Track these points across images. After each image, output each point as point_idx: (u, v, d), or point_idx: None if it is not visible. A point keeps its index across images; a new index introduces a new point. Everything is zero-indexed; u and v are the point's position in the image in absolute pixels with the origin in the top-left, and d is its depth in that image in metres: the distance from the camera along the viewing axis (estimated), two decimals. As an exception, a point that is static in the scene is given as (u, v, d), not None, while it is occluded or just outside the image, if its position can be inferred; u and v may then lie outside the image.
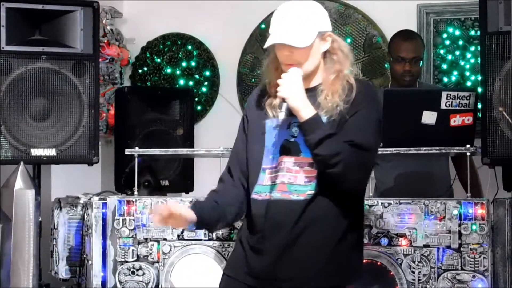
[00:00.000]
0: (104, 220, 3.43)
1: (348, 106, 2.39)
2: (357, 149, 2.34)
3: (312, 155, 2.37)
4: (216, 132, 4.67)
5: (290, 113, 2.39)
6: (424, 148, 3.23)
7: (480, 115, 3.39)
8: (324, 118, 2.39)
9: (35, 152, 3.72)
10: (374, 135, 2.43)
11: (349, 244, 2.44)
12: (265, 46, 2.42)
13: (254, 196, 2.48)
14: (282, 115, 2.38)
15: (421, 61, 3.80)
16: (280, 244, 2.41)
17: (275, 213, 2.41)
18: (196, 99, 4.85)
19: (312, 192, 2.39)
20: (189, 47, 4.94)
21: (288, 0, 2.44)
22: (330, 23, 2.47)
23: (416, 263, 3.10)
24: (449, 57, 4.55)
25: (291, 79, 2.38)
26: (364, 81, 2.54)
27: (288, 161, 2.42)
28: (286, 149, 2.43)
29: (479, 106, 3.40)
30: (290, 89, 2.37)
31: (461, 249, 3.07)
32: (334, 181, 2.36)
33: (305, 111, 2.36)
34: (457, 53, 4.54)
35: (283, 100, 2.38)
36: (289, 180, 2.42)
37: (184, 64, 4.95)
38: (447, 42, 4.56)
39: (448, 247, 3.08)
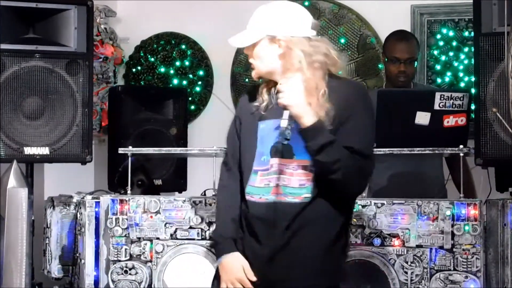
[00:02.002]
0: (97, 219, 3.43)
1: (339, 109, 2.39)
2: (356, 155, 2.37)
3: (313, 162, 2.39)
4: (210, 131, 4.67)
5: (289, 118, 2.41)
6: (418, 148, 3.24)
7: (473, 116, 3.40)
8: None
9: (28, 150, 3.71)
10: (371, 140, 2.46)
11: (341, 246, 2.49)
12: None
13: (248, 197, 2.49)
14: (284, 123, 2.38)
15: (415, 62, 3.81)
16: (275, 245, 2.43)
17: (270, 215, 2.43)
18: (190, 98, 4.84)
19: (309, 195, 2.42)
20: (183, 47, 4.94)
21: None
22: (290, 29, 2.44)
23: (409, 263, 3.10)
24: (443, 58, 4.56)
25: (293, 85, 2.39)
26: (357, 83, 2.55)
27: (281, 164, 2.44)
28: (278, 151, 2.44)
29: (473, 107, 3.41)
30: (292, 97, 2.38)
31: (454, 249, 3.07)
32: (334, 187, 2.39)
33: (307, 118, 2.37)
34: (451, 54, 4.55)
35: (285, 108, 2.39)
36: (284, 182, 2.43)
37: (178, 63, 4.94)
38: (441, 43, 4.57)
39: (441, 247, 3.08)
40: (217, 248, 2.55)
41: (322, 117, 2.37)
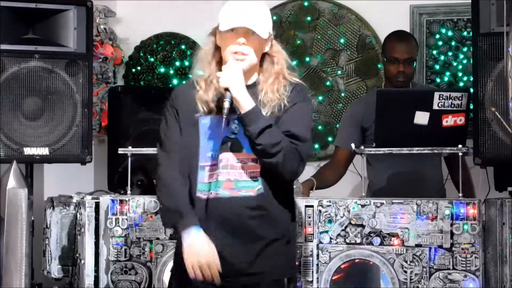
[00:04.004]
0: (96, 219, 3.43)
1: (285, 103, 2.46)
2: (293, 139, 2.42)
3: (252, 146, 2.41)
4: (209, 131, 4.67)
5: (231, 109, 2.41)
6: (417, 148, 3.25)
7: (472, 116, 3.40)
8: (266, 114, 2.45)
9: (28, 151, 3.71)
10: (308, 128, 2.51)
11: (293, 236, 2.57)
12: (225, 28, 2.45)
13: (198, 194, 2.48)
14: (227, 103, 2.40)
15: (414, 62, 3.81)
16: (235, 241, 2.45)
17: (225, 211, 2.44)
18: (190, 98, 4.84)
19: (261, 187, 2.45)
20: (183, 47, 4.94)
21: None
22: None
23: (408, 262, 3.11)
24: (442, 57, 4.56)
25: (233, 69, 2.42)
26: (299, 82, 2.59)
27: (231, 157, 2.45)
28: (227, 146, 2.46)
29: (471, 106, 3.42)
30: (233, 79, 2.40)
31: (453, 248, 3.08)
32: (273, 171, 2.43)
33: (246, 102, 2.40)
34: (450, 54, 4.55)
35: (226, 90, 2.41)
36: (235, 177, 2.45)
37: (177, 63, 4.95)
38: (440, 43, 4.57)
39: (440, 246, 3.09)
40: (181, 221, 2.45)
41: (273, 106, 2.44)
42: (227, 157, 2.45)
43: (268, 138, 2.38)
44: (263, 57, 2.52)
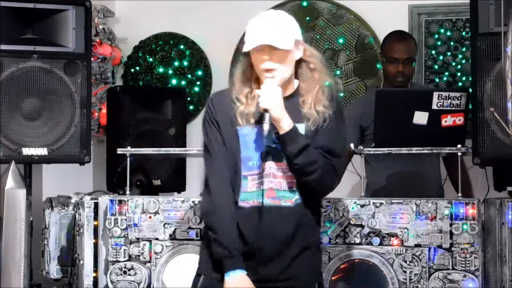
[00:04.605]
0: (95, 219, 3.42)
1: (331, 111, 2.49)
2: (329, 155, 2.46)
3: (290, 165, 2.46)
4: (208, 132, 4.66)
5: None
6: (416, 148, 3.25)
7: (471, 115, 3.40)
8: (311, 128, 2.48)
9: (26, 151, 3.71)
10: (344, 144, 2.58)
11: (320, 248, 2.66)
12: (246, 49, 2.47)
13: (241, 204, 2.52)
14: (266, 126, 2.43)
15: (413, 62, 3.81)
16: (275, 249, 2.50)
17: (269, 220, 2.49)
18: (189, 98, 4.84)
19: (298, 197, 2.50)
20: (182, 47, 4.94)
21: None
22: (301, 34, 2.55)
23: (408, 262, 3.11)
24: (441, 57, 4.56)
25: (271, 90, 2.44)
26: (335, 94, 2.61)
27: (272, 167, 2.50)
28: (268, 155, 2.49)
29: (470, 106, 3.42)
30: (272, 100, 2.43)
31: (452, 248, 3.08)
32: (310, 187, 2.48)
33: (285, 122, 2.44)
34: (449, 54, 4.55)
35: (265, 111, 2.43)
36: (276, 186, 2.50)
37: (176, 63, 4.94)
38: (439, 43, 4.57)
39: (439, 246, 3.09)
40: (229, 260, 2.49)
41: (317, 118, 2.46)
42: (269, 166, 2.50)
43: (306, 158, 2.43)
44: (299, 64, 2.53)
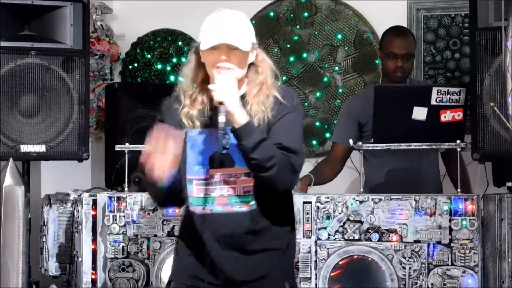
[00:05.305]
0: (94, 216, 3.42)
1: (273, 113, 2.42)
2: (285, 151, 2.38)
3: (246, 160, 2.37)
4: (207, 128, 4.65)
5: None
6: (415, 143, 3.24)
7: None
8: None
9: (24, 148, 3.70)
10: (299, 138, 2.47)
11: (292, 247, 2.52)
12: (204, 47, 2.41)
13: (191, 208, 2.47)
14: (222, 118, 2.34)
15: (413, 58, 3.80)
16: (233, 254, 2.42)
17: (220, 227, 2.42)
18: (187, 95, 4.83)
19: (254, 202, 2.42)
20: (180, 43, 4.93)
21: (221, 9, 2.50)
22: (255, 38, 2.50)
23: (407, 258, 3.10)
24: (439, 53, 4.55)
25: (226, 82, 2.37)
26: (287, 87, 2.56)
27: (223, 173, 2.42)
28: (217, 161, 2.42)
29: (470, 101, 3.41)
30: (227, 93, 2.36)
31: (452, 244, 3.07)
32: (267, 185, 2.39)
33: (241, 116, 2.36)
34: (447, 49, 4.54)
35: (220, 103, 2.35)
36: (228, 192, 2.42)
37: (174, 60, 4.93)
38: (437, 39, 4.56)
39: (439, 242, 3.09)
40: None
41: (259, 118, 2.39)
42: (219, 173, 2.42)
43: (262, 152, 2.34)
44: (248, 67, 2.48)
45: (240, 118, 2.35)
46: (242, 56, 2.42)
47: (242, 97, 2.45)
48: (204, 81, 2.47)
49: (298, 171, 2.44)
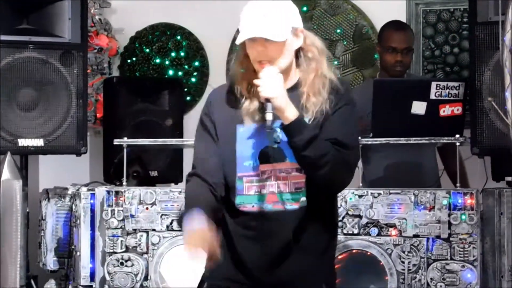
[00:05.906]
0: (92, 211, 3.41)
1: (330, 103, 2.31)
2: (340, 147, 2.28)
3: (298, 158, 2.28)
4: (205, 122, 4.65)
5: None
6: (414, 138, 3.24)
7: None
8: (308, 120, 2.29)
9: (22, 142, 3.69)
10: (355, 134, 2.38)
11: (332, 248, 2.44)
12: (238, 41, 2.30)
13: (242, 208, 2.35)
14: (269, 116, 2.24)
15: (412, 52, 3.80)
16: (279, 253, 2.34)
17: (270, 225, 2.33)
18: (185, 89, 4.82)
19: (305, 199, 2.32)
20: (178, 37, 4.92)
21: None
22: (301, 20, 2.36)
23: (406, 253, 3.10)
24: (439, 47, 4.55)
25: (272, 77, 2.26)
26: (342, 79, 2.44)
27: (274, 169, 2.32)
28: (268, 156, 2.32)
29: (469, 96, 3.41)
30: (274, 89, 2.25)
31: (451, 239, 3.07)
32: (321, 183, 2.30)
33: (290, 111, 2.25)
34: (447, 43, 4.53)
35: (267, 100, 2.25)
36: (279, 189, 2.32)
37: (173, 54, 4.92)
38: (436, 33, 4.55)
39: (438, 237, 3.08)
40: (184, 218, 2.29)
41: (316, 111, 2.29)
42: (270, 168, 2.32)
43: (315, 150, 2.23)
44: (298, 54, 2.35)
45: (290, 114, 2.24)
46: (280, 45, 2.28)
47: (296, 87, 2.33)
48: (255, 73, 2.33)
49: (353, 168, 2.35)
